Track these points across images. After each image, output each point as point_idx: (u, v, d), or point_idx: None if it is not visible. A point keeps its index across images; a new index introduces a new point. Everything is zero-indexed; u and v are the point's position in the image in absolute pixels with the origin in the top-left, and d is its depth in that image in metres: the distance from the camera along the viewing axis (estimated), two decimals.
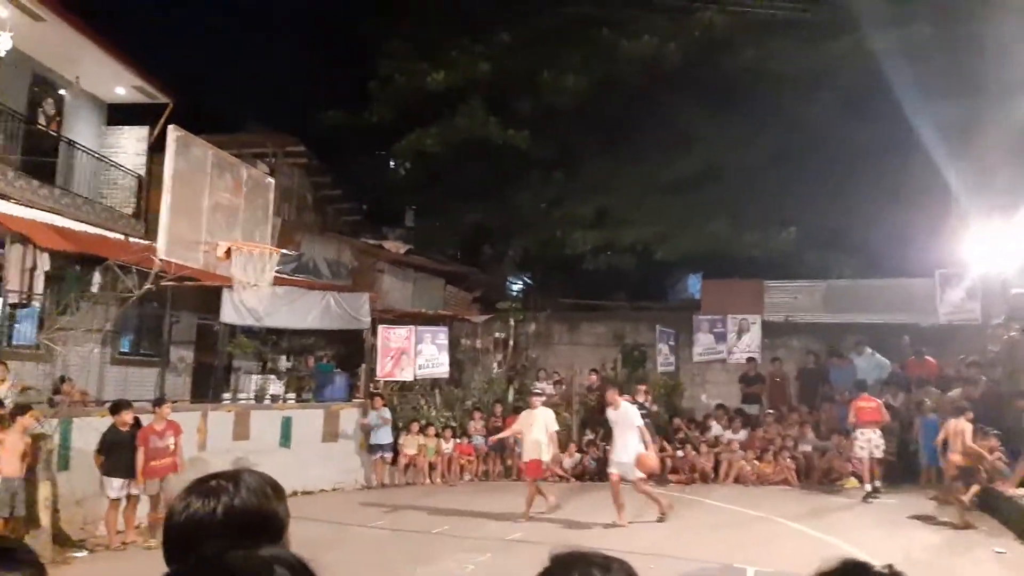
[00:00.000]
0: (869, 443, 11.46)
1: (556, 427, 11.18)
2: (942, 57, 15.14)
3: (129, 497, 8.95)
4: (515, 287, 23.62)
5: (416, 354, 14.55)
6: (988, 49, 13.92)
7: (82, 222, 12.86)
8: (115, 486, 8.80)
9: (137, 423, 9.16)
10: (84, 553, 8.05)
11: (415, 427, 13.63)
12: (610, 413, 10.43)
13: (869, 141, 17.00)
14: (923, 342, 14.37)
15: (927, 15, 15.73)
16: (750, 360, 15.72)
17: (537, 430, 10.83)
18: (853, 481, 12.20)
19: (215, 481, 1.67)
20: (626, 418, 10.13)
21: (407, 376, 14.52)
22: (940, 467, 11.04)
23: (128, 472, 8.90)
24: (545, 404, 14.82)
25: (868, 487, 11.32)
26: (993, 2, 13.87)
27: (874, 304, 15.67)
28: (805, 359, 15.52)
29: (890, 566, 1.26)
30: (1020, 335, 11.83)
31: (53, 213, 12.21)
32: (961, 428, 10.06)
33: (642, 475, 9.90)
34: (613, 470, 10.05)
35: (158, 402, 9.66)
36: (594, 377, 15.22)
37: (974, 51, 14.25)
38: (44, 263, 10.29)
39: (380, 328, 14.48)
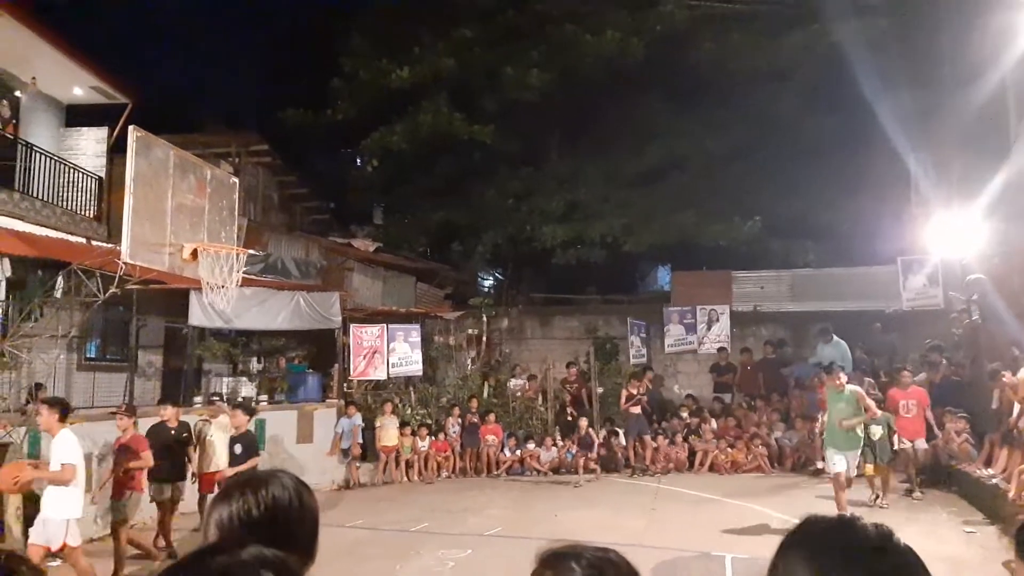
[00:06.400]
0: None
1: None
2: (899, 48, 15.45)
3: (174, 502, 9.18)
4: (486, 283, 23.59)
5: (389, 352, 14.49)
6: (942, 40, 14.21)
7: (42, 226, 12.57)
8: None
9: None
10: (57, 563, 7.87)
11: (388, 407, 13.58)
12: None
13: (830, 131, 17.34)
14: (889, 328, 14.65)
15: (882, 7, 16.04)
16: (721, 350, 15.91)
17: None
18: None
19: (248, 480, 1.68)
20: None
21: (380, 375, 14.46)
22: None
23: (176, 475, 9.17)
24: (521, 398, 14.90)
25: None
26: None
27: (839, 292, 15.98)
28: (764, 350, 15.58)
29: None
30: (980, 319, 12.11)
31: (12, 218, 11.90)
32: None
33: None
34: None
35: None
36: (573, 371, 15.26)
37: (929, 42, 14.55)
38: (5, 269, 10.05)
39: (352, 327, 14.38)
